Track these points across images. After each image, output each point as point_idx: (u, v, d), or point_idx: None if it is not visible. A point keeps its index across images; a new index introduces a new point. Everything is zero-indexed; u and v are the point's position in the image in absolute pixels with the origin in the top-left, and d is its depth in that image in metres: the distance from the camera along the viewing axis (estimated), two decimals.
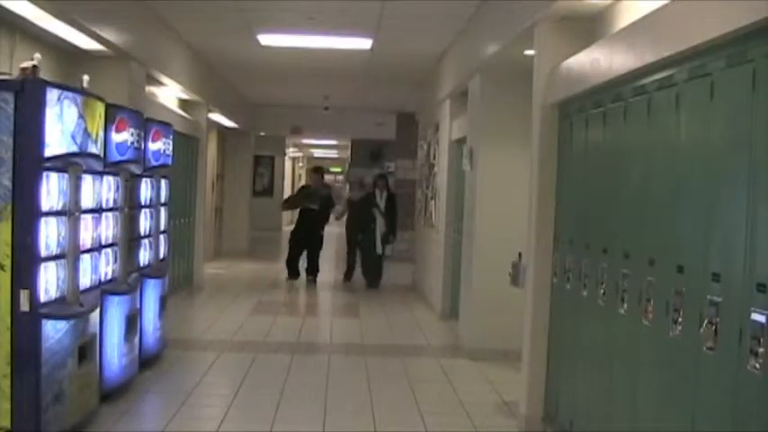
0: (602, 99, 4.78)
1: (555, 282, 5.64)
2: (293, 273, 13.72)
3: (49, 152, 4.83)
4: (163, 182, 7.62)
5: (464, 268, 8.81)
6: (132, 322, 6.50)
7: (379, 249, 13.28)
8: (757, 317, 2.92)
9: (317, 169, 14.71)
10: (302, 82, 14.31)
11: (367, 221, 13.32)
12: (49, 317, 4.86)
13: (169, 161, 7.69)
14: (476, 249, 8.20)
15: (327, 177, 41.35)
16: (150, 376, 6.98)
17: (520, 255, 6.23)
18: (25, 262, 4.73)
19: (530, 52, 6.28)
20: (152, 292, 7.25)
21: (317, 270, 13.68)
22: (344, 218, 14.31)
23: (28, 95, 4.74)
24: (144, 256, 7.08)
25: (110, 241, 6.07)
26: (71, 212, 5.18)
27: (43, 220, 4.83)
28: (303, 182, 33.84)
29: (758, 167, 3.00)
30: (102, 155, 5.75)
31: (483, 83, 8.19)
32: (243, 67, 12.79)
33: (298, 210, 13.90)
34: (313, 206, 13.42)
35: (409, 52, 10.95)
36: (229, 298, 11.71)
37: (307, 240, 13.51)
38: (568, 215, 5.51)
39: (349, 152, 22.20)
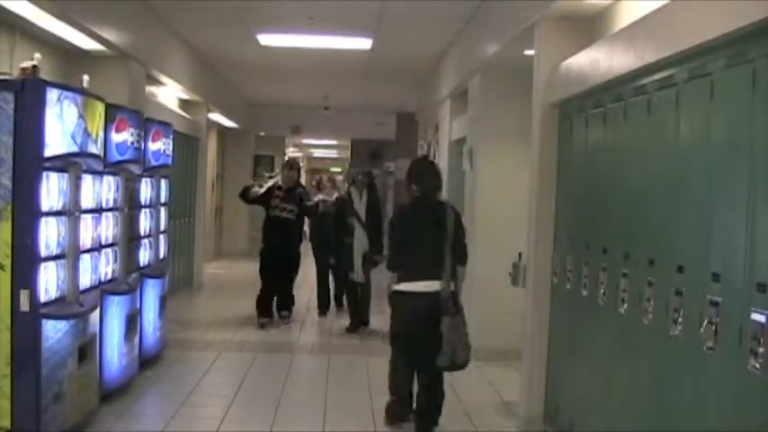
0: (602, 99, 4.77)
1: (555, 282, 5.63)
2: (266, 312, 9.66)
3: (49, 152, 4.83)
4: (163, 182, 7.62)
5: None
6: (132, 322, 6.50)
7: (358, 276, 9.22)
8: (757, 317, 2.92)
9: (292, 165, 10.13)
10: (302, 82, 14.30)
11: (339, 235, 9.39)
12: (49, 317, 4.86)
13: (169, 161, 7.69)
14: (476, 249, 8.18)
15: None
16: (150, 376, 6.98)
17: (520, 255, 6.23)
18: (25, 262, 4.73)
19: (530, 52, 6.28)
20: (152, 292, 7.25)
21: (293, 302, 10.05)
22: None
23: (28, 95, 4.74)
24: (144, 256, 7.08)
25: (110, 241, 6.07)
26: (71, 212, 5.18)
27: (43, 220, 4.83)
28: (302, 182, 33.52)
29: (758, 167, 3.01)
30: (102, 155, 5.75)
31: (483, 83, 8.18)
32: (243, 67, 12.78)
33: (265, 220, 9.66)
34: (287, 215, 9.48)
35: (409, 52, 10.95)
36: (229, 298, 11.70)
37: (282, 265, 9.61)
38: (568, 215, 5.50)
39: (349, 152, 22.19)
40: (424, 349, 5.37)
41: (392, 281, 5.55)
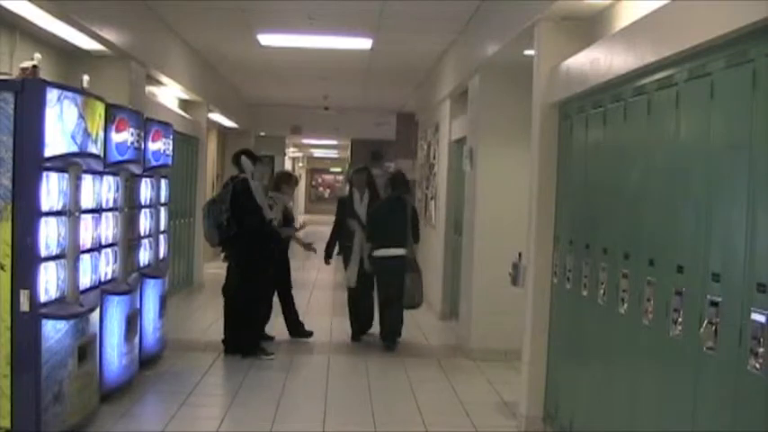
0: (602, 99, 4.77)
1: (555, 282, 5.63)
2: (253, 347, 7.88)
3: (49, 152, 4.83)
4: (163, 182, 7.62)
5: (464, 268, 8.80)
6: (132, 322, 6.50)
7: (351, 281, 8.81)
8: (757, 317, 2.91)
9: (248, 154, 8.18)
10: (302, 82, 14.31)
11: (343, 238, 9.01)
12: (48, 317, 4.85)
13: (169, 161, 7.68)
14: (476, 249, 8.20)
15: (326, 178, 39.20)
16: (150, 376, 6.98)
17: (520, 255, 6.23)
18: (25, 262, 4.73)
19: (530, 52, 6.28)
20: (152, 292, 7.25)
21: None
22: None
23: (28, 95, 4.74)
24: (144, 256, 7.08)
25: (110, 241, 6.07)
26: (71, 212, 5.18)
27: (43, 220, 4.83)
28: (303, 183, 33.19)
29: (758, 167, 3.00)
30: (102, 155, 5.75)
31: (483, 83, 8.18)
32: (243, 67, 12.78)
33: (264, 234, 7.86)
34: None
35: (409, 52, 10.95)
36: None
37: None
38: (568, 215, 5.50)
39: (349, 152, 22.21)
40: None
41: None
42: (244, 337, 7.85)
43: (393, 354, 8.41)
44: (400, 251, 8.39)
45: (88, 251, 5.56)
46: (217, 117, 14.74)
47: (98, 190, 5.78)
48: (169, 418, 5.85)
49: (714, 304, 3.23)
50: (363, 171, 9.07)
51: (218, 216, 7.74)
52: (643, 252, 4.03)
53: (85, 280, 5.50)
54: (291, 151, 28.90)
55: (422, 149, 13.60)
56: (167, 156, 7.59)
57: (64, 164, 5.07)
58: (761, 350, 2.88)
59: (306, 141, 25.78)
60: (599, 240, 4.75)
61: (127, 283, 6.45)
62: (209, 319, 10.02)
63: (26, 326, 4.74)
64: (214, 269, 14.68)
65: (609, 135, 4.74)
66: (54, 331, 4.91)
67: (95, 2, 6.93)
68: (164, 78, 9.76)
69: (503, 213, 7.80)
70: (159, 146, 7.29)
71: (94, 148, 5.53)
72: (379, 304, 8.67)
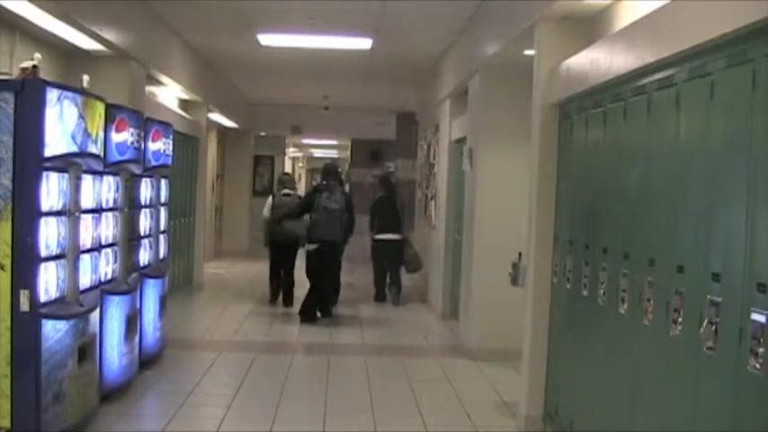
0: (602, 99, 4.78)
1: (555, 282, 5.63)
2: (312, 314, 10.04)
3: (49, 152, 4.83)
4: (163, 182, 7.62)
5: (464, 268, 8.81)
6: (132, 322, 6.50)
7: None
8: (757, 317, 2.92)
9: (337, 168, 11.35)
10: (302, 82, 14.31)
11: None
12: (48, 317, 4.85)
13: (169, 161, 7.69)
14: (476, 249, 8.20)
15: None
16: (150, 376, 6.98)
17: (520, 255, 6.23)
18: (25, 262, 4.73)
19: (530, 52, 6.28)
20: (152, 292, 7.25)
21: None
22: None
23: (28, 95, 4.74)
24: (144, 256, 7.08)
25: (110, 241, 6.07)
26: (71, 212, 5.18)
27: (43, 220, 4.83)
28: (303, 183, 33.31)
29: (758, 167, 3.00)
30: (102, 155, 5.75)
31: (483, 83, 8.18)
32: (243, 67, 12.79)
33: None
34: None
35: (409, 52, 10.95)
36: (229, 298, 11.71)
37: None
38: (568, 215, 5.50)
39: (349, 152, 22.21)
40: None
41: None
42: (332, 299, 10.50)
43: (393, 355, 8.41)
44: (396, 235, 11.66)
45: (88, 251, 5.56)
46: (217, 117, 14.75)
47: (98, 190, 5.78)
48: (169, 418, 5.85)
49: (714, 304, 3.23)
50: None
51: (339, 221, 9.87)
52: (643, 252, 4.03)
53: (85, 280, 5.50)
54: (291, 151, 28.87)
55: (422, 149, 13.60)
56: (167, 156, 7.59)
57: (64, 164, 5.07)
58: (761, 350, 2.88)
59: (306, 141, 25.75)
60: (599, 240, 4.75)
61: (127, 283, 6.45)
62: (209, 319, 10.02)
63: (26, 326, 4.74)
64: (214, 269, 14.70)
65: (609, 135, 4.74)
66: (54, 331, 4.92)
67: (95, 2, 6.94)
68: (164, 78, 9.76)
69: (503, 214, 7.80)
70: (159, 146, 7.29)
71: (94, 148, 5.53)
72: (382, 271, 11.91)
